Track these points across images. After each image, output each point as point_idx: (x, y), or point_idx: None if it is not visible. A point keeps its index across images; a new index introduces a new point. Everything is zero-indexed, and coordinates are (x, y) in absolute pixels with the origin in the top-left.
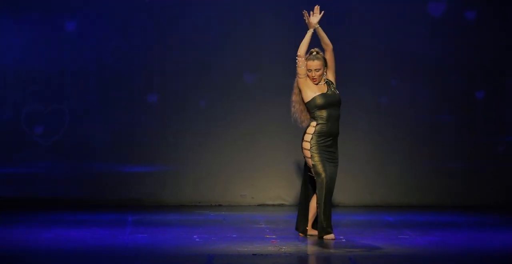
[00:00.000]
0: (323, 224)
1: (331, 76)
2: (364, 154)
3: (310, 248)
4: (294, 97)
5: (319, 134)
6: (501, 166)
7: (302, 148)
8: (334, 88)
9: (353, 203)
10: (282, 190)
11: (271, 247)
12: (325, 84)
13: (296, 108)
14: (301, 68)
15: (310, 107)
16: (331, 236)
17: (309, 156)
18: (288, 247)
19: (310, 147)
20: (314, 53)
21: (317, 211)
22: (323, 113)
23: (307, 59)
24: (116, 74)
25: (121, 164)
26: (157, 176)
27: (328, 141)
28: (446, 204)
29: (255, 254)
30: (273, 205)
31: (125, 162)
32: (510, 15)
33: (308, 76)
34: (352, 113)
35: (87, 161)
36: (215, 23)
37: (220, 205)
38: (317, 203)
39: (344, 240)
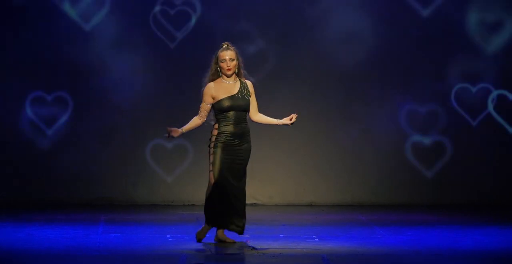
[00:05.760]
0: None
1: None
2: (335, 153)
3: (283, 248)
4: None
5: (221, 135)
6: (472, 166)
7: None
8: (246, 92)
9: (325, 202)
10: (255, 189)
11: (244, 246)
12: (239, 83)
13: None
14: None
15: (215, 109)
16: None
17: (211, 153)
18: (261, 246)
19: (212, 146)
20: (225, 45)
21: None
22: (228, 115)
23: (219, 51)
24: (86, 75)
25: (93, 163)
26: (129, 176)
27: (232, 140)
28: (418, 204)
29: (228, 254)
30: (246, 205)
31: (97, 161)
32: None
33: (221, 67)
34: (321, 113)
35: (59, 160)
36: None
37: (193, 205)
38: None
39: (317, 239)
